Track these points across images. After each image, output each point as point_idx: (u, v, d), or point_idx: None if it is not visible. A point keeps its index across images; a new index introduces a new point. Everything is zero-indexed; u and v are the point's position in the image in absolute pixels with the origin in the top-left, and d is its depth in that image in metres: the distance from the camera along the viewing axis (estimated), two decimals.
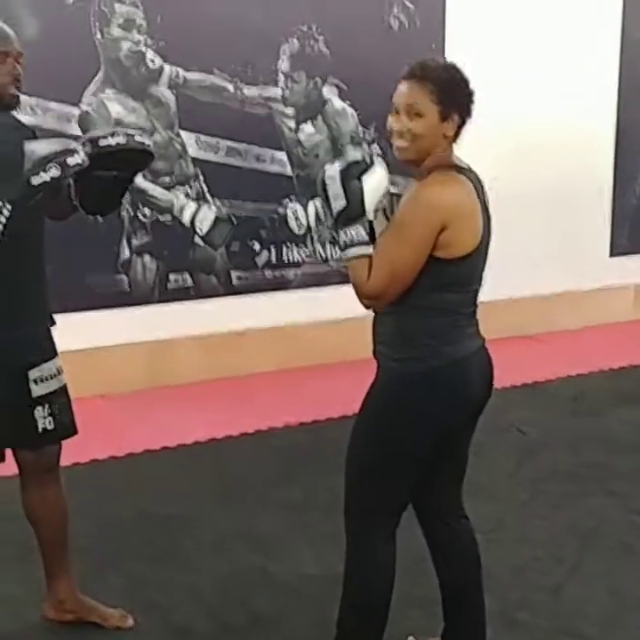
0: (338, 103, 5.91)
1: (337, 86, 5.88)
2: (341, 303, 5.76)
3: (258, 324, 5.75)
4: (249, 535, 3.59)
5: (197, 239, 5.55)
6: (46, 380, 2.75)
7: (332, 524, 2.61)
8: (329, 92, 5.88)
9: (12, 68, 2.57)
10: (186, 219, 5.50)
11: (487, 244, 2.45)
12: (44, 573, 2.97)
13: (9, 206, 2.33)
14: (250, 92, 5.57)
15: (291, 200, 5.79)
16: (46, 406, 2.75)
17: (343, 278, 5.87)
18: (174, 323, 5.50)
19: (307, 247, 5.91)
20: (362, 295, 2.34)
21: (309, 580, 3.24)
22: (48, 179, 2.31)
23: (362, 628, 2.54)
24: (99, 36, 5.11)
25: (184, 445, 4.53)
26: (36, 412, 2.73)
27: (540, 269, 6.68)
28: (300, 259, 5.89)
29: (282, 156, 5.73)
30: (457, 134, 2.39)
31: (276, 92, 5.67)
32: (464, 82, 2.37)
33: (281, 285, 5.85)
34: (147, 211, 5.37)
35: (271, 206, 5.75)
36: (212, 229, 5.57)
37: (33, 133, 2.68)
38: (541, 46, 6.50)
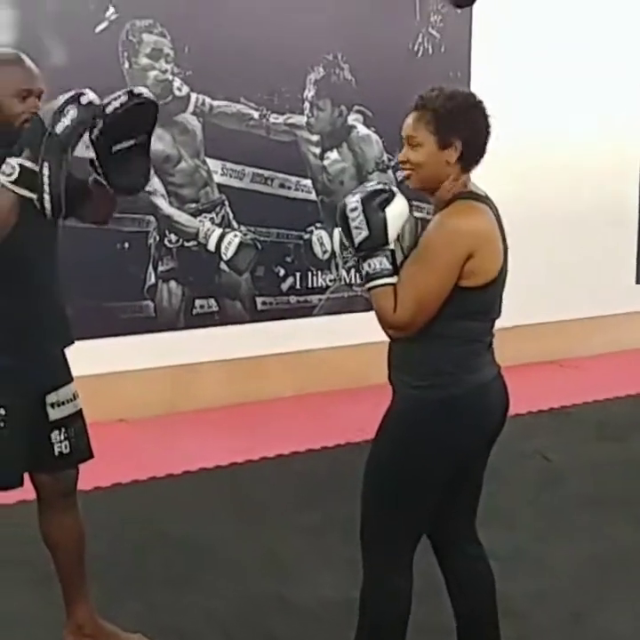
0: (363, 130, 5.95)
1: (362, 113, 5.93)
2: (365, 328, 5.79)
3: (282, 349, 5.77)
4: (268, 559, 3.59)
5: (223, 265, 5.60)
6: (63, 404, 2.77)
7: (350, 549, 2.61)
8: (354, 119, 5.93)
9: (33, 105, 2.57)
10: (211, 245, 5.55)
11: (505, 271, 2.46)
12: (61, 597, 2.97)
13: (47, 164, 2.32)
14: (275, 119, 5.63)
15: (315, 226, 5.83)
16: (63, 430, 2.77)
17: (367, 304, 5.89)
18: (199, 348, 5.53)
19: (331, 273, 5.94)
20: (388, 326, 2.35)
21: (327, 605, 3.23)
22: (69, 122, 2.32)
23: None
24: (126, 65, 5.19)
25: (205, 469, 4.55)
26: (52, 435, 2.75)
27: (566, 295, 6.67)
28: (324, 284, 5.92)
29: (307, 182, 5.77)
30: (470, 161, 2.40)
31: (301, 119, 5.73)
32: (467, 108, 2.37)
33: (305, 311, 5.88)
34: (173, 237, 5.43)
35: (296, 232, 5.79)
36: (237, 255, 5.62)
37: None
38: (567, 71, 6.53)
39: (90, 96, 2.37)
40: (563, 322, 6.70)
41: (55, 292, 2.76)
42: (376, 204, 2.34)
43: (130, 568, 3.53)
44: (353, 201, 2.36)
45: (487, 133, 2.41)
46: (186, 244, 5.48)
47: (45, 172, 2.33)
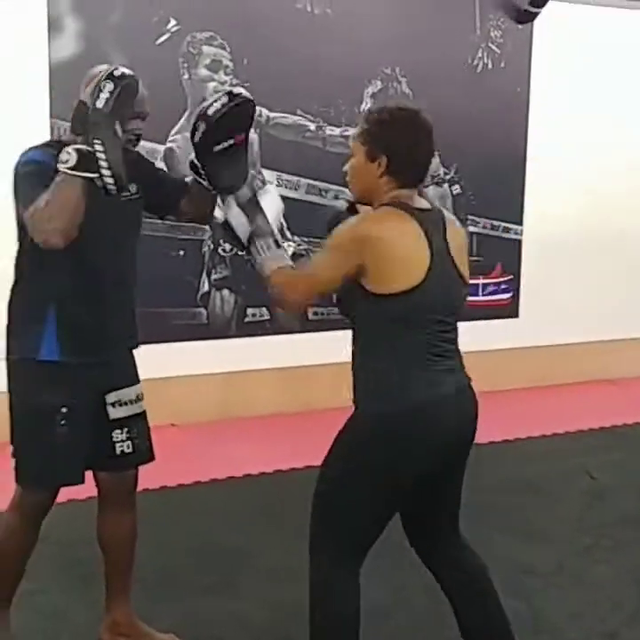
0: None
1: None
2: None
3: (332, 359, 5.79)
4: (306, 568, 3.61)
5: None
6: (125, 404, 2.83)
7: (382, 560, 2.64)
8: None
9: (137, 127, 2.69)
10: None
11: (452, 286, 2.44)
12: (102, 596, 3.03)
13: (98, 141, 2.37)
14: (331, 131, 5.68)
15: None
16: (125, 430, 2.83)
17: None
18: (250, 356, 5.59)
19: None
20: (274, 288, 2.50)
21: (362, 614, 3.24)
22: (107, 94, 2.39)
23: None
24: (186, 76, 5.30)
25: (249, 476, 4.61)
26: (113, 434, 2.82)
27: (622, 313, 6.60)
28: None
29: None
30: (401, 175, 2.41)
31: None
32: (396, 123, 2.39)
33: None
34: (227, 246, 5.50)
35: None
36: None
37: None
38: (629, 86, 6.48)
39: (122, 69, 2.44)
40: (616, 341, 6.62)
41: (125, 296, 2.82)
42: (246, 194, 2.55)
43: (170, 570, 3.58)
44: (226, 207, 2.57)
45: (422, 149, 2.43)
46: (239, 253, 5.53)
47: (99, 148, 2.38)
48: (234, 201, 2.55)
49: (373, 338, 2.40)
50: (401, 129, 2.39)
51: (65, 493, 2.85)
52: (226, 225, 2.54)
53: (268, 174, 5.55)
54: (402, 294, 2.34)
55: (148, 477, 4.13)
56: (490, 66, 6.11)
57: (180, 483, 4.46)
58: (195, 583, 3.50)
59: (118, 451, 2.83)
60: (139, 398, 2.88)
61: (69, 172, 2.40)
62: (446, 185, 6.04)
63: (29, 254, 2.64)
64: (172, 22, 5.20)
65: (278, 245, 2.49)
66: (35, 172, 2.54)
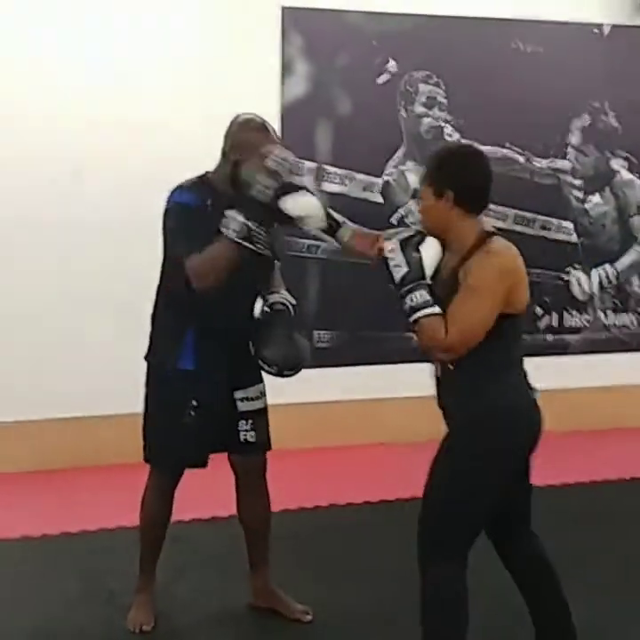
0: (626, 175, 6.07)
1: (626, 159, 6.05)
2: (619, 369, 5.86)
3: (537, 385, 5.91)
4: None
5: None
6: (250, 400, 3.33)
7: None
8: (617, 165, 6.05)
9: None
10: None
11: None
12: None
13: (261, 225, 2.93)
14: (539, 163, 5.86)
15: (574, 267, 5.99)
16: (249, 421, 3.32)
17: (622, 345, 5.96)
18: None
19: (588, 314, 6.06)
20: (441, 349, 2.64)
21: None
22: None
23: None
24: (403, 112, 5.60)
25: None
26: (239, 424, 3.32)
27: None
28: (580, 324, 6.06)
29: (568, 225, 5.95)
30: (469, 205, 2.67)
31: (564, 164, 5.92)
32: (455, 159, 2.72)
33: (561, 349, 6.03)
34: None
35: (555, 273, 5.97)
36: None
37: None
38: None
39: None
40: None
41: (249, 320, 3.30)
42: (413, 244, 2.66)
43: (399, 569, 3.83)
44: (391, 244, 2.68)
45: (480, 177, 2.70)
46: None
47: (261, 230, 2.96)
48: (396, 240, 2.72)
49: (490, 353, 2.66)
50: (459, 164, 2.70)
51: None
52: (385, 263, 2.70)
53: None
54: (520, 313, 2.70)
55: (367, 492, 4.44)
56: None
57: (398, 497, 4.74)
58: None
59: (242, 438, 3.33)
60: (262, 394, 3.36)
61: (237, 240, 2.92)
62: None
63: (178, 289, 3.10)
64: (392, 63, 5.52)
65: (430, 293, 2.64)
66: (187, 216, 3.05)
